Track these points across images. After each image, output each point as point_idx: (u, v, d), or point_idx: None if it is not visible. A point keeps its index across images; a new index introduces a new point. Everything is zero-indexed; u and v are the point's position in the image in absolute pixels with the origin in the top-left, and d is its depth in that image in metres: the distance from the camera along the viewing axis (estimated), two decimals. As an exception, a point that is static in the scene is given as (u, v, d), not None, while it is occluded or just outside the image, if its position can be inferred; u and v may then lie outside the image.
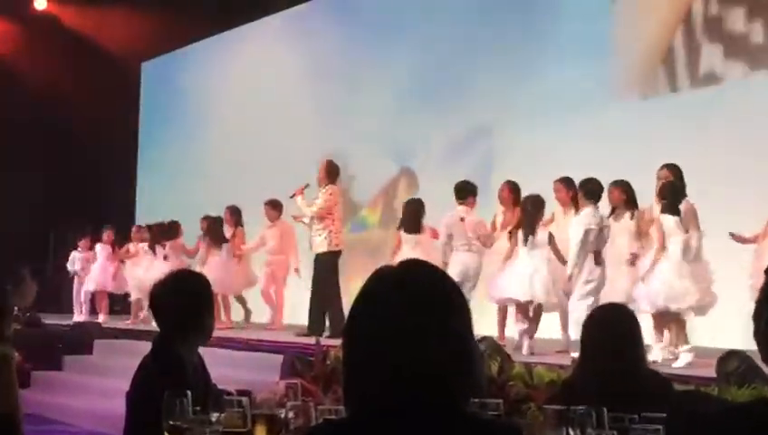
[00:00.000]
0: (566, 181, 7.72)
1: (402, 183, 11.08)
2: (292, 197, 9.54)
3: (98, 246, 12.49)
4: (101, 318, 12.25)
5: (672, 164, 7.00)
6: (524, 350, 7.24)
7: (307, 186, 9.46)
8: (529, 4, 10.22)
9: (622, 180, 7.30)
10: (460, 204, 8.22)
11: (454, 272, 7.56)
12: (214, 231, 10.72)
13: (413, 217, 8.58)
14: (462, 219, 8.12)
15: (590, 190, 7.20)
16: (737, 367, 4.90)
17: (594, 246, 7.05)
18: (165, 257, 10.98)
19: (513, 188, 8.26)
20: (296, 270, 10.30)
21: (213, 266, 10.28)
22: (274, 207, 10.45)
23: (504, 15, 10.21)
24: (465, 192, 8.22)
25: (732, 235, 6.97)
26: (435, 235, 8.64)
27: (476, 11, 10.42)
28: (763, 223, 6.83)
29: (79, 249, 12.71)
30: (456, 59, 10.60)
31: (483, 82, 10.29)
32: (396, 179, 11.15)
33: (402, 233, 8.60)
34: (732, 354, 5.16)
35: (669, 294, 6.50)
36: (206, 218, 11.07)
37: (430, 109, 10.75)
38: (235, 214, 10.83)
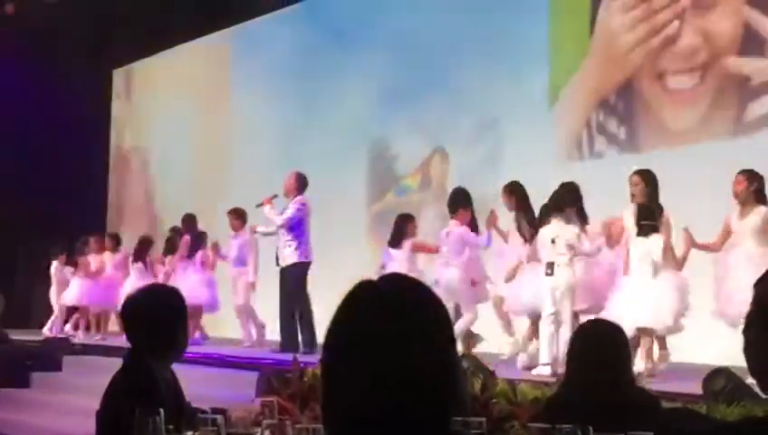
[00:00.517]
0: (507, 189, 7.91)
1: (436, 158, 11.32)
2: (258, 206, 9.37)
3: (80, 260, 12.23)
4: (80, 335, 11.97)
5: (644, 170, 7.02)
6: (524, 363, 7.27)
7: (275, 196, 9.30)
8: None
9: (567, 182, 7.35)
10: (452, 217, 8.14)
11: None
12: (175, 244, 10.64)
13: (394, 232, 8.59)
14: (447, 234, 8.06)
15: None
16: (724, 386, 4.86)
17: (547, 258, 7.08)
18: (167, 274, 10.69)
19: (455, 191, 8.30)
20: (252, 284, 10.11)
21: (184, 279, 10.15)
22: (239, 216, 10.29)
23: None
24: (455, 205, 8.13)
25: (694, 243, 6.88)
26: (417, 247, 8.57)
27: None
28: None
29: (56, 264, 12.46)
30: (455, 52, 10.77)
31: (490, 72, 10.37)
32: (431, 156, 11.37)
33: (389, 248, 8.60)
34: (718, 372, 5.13)
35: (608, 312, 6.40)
36: (176, 230, 10.97)
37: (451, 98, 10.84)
38: (189, 221, 10.76)
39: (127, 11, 13.41)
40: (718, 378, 4.99)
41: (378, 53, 11.55)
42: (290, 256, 9.02)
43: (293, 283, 8.97)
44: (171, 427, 2.55)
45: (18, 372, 9.67)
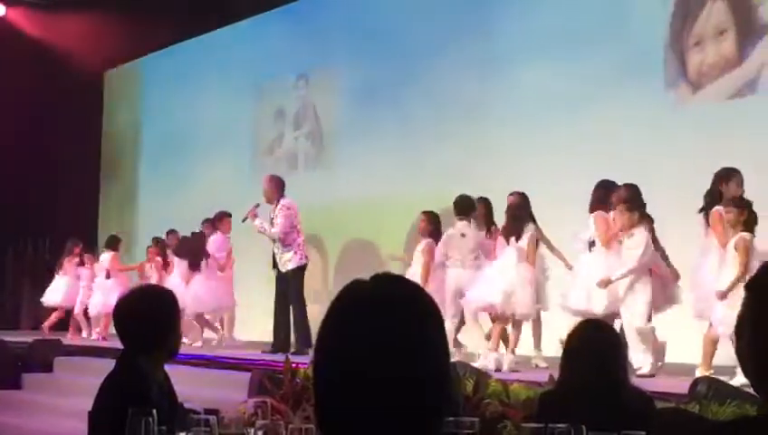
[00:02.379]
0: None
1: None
2: (243, 221, 9.27)
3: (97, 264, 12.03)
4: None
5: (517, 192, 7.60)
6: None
7: (257, 205, 9.20)
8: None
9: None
10: (460, 220, 7.99)
11: (450, 288, 7.69)
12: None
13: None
14: (463, 235, 7.94)
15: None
16: (706, 393, 4.91)
17: None
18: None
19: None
20: None
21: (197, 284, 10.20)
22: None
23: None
24: (466, 208, 7.97)
25: None
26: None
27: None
28: None
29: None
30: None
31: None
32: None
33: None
34: (698, 381, 5.23)
35: None
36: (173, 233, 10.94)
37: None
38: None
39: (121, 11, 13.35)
40: (699, 386, 5.07)
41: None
42: (289, 260, 8.92)
43: (295, 287, 8.89)
44: (164, 428, 2.54)
45: (9, 373, 9.63)
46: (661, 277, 6.82)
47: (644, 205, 6.76)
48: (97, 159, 15.83)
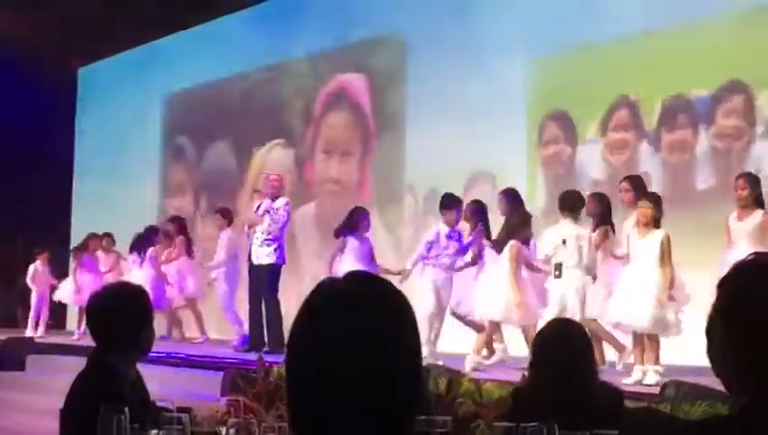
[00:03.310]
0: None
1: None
2: (256, 192, 9.45)
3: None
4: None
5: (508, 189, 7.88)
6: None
7: (257, 191, 9.40)
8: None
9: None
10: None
11: (430, 288, 7.61)
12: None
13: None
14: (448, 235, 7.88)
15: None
16: (675, 395, 4.97)
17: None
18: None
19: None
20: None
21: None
22: (224, 215, 10.34)
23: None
24: (446, 205, 7.84)
25: None
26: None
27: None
28: None
29: (38, 262, 12.25)
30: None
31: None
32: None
33: None
34: (666, 385, 5.27)
35: None
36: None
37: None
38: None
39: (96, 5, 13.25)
40: (668, 389, 5.14)
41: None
42: (268, 255, 8.98)
43: (269, 284, 8.93)
44: (136, 425, 2.54)
45: (-21, 371, 9.56)
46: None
47: (572, 204, 6.96)
48: (70, 155, 15.73)
